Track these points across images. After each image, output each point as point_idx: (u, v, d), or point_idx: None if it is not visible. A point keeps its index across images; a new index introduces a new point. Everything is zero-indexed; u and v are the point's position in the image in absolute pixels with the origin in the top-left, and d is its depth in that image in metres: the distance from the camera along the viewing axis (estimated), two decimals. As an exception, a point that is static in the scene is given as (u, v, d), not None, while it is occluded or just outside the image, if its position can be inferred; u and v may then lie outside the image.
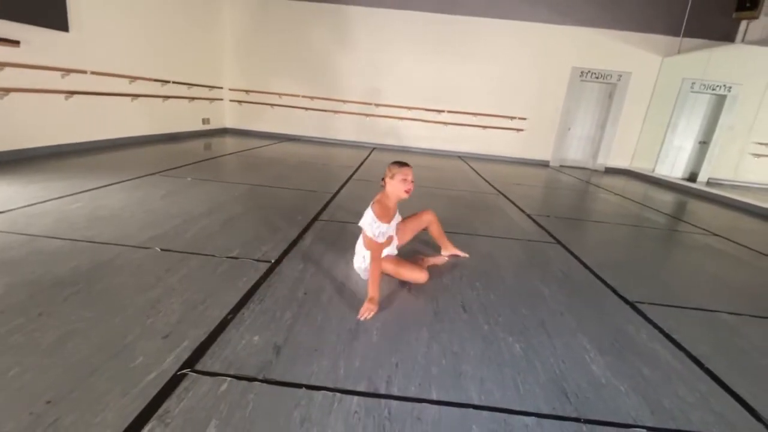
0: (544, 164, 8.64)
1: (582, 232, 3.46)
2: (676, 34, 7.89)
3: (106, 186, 3.35)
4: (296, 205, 3.34)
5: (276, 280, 1.94)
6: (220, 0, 7.83)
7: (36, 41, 4.15)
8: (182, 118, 7.04)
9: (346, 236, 2.67)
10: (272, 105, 8.49)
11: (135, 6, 5.54)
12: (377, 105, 8.41)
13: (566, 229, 3.43)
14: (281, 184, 4.03)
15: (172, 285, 1.79)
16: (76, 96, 4.70)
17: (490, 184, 5.37)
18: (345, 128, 8.61)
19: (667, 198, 5.92)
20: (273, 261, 2.15)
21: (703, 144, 8.51)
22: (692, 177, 8.58)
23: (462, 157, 8.51)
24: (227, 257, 2.15)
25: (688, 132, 8.43)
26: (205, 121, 7.81)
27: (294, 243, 2.45)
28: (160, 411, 1.10)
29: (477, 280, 2.16)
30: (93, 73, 4.90)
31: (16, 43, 3.91)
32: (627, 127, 8.40)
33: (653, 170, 8.26)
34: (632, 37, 7.94)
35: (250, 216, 2.92)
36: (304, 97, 8.40)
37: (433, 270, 2.24)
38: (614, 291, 2.21)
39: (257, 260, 2.15)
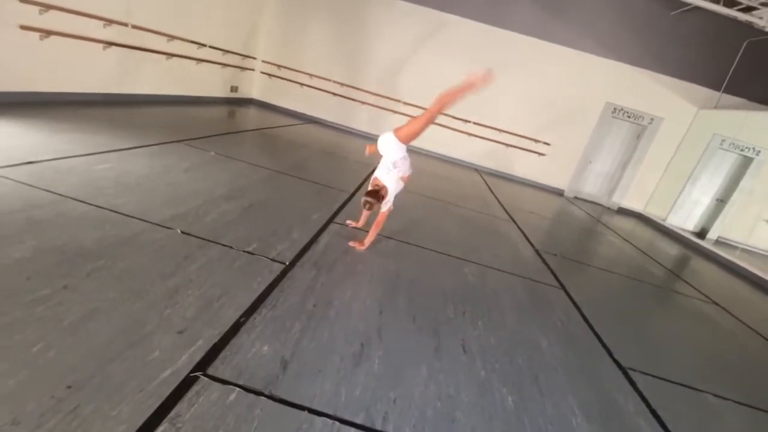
0: (559, 193, 8.63)
1: (586, 279, 3.50)
2: (716, 88, 7.79)
3: (132, 149, 3.39)
4: (314, 202, 3.38)
5: (288, 286, 1.99)
6: (268, -30, 7.75)
7: (84, -13, 4.16)
8: (212, 83, 7.05)
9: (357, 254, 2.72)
10: (301, 84, 8.46)
11: (185, -35, 5.51)
12: (405, 103, 8.38)
13: (571, 273, 3.47)
14: (301, 174, 4.07)
15: (190, 275, 1.85)
16: (113, 47, 4.72)
17: (503, 207, 5.39)
18: (368, 120, 8.59)
19: (673, 252, 5.94)
20: (287, 263, 2.21)
21: (720, 202, 8.45)
22: (702, 232, 8.55)
23: (479, 170, 8.50)
24: (244, 251, 2.20)
25: (707, 187, 8.37)
26: (234, 89, 7.81)
27: (308, 246, 2.50)
28: (172, 414, 1.16)
29: (480, 318, 2.21)
30: (134, 27, 4.91)
31: (65, -13, 3.91)
32: (648, 170, 8.35)
33: (665, 219, 8.24)
34: (672, 82, 7.84)
35: (268, 207, 2.97)
36: (334, 82, 8.37)
37: (438, 298, 2.29)
38: (609, 353, 2.26)
39: (272, 259, 2.20)
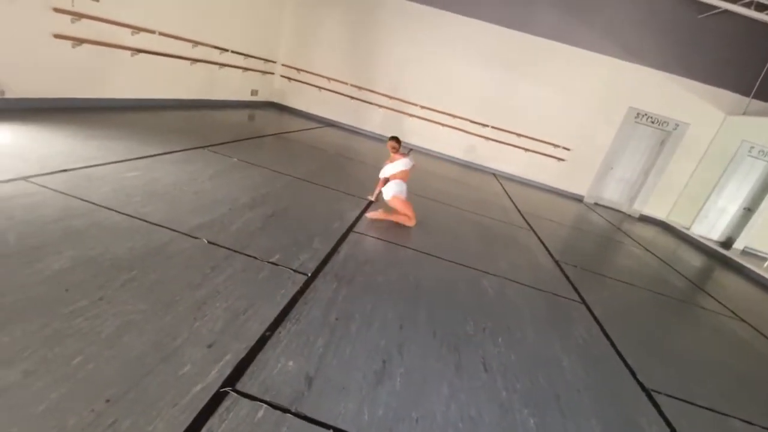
0: (578, 199, 8.49)
1: (607, 293, 3.44)
2: (745, 93, 7.55)
3: (159, 155, 3.49)
4: (334, 210, 3.42)
5: (311, 298, 2.03)
6: (290, -25, 7.85)
7: (114, -3, 4.29)
8: (234, 87, 7.18)
9: (378, 257, 2.74)
10: (319, 88, 8.54)
11: (210, -27, 5.63)
12: (423, 107, 8.37)
13: (592, 286, 3.41)
14: (321, 181, 4.11)
15: (217, 286, 1.90)
16: (141, 54, 4.85)
17: (522, 215, 5.33)
18: (385, 123, 8.61)
19: (697, 262, 5.77)
20: (309, 275, 2.24)
21: (748, 211, 8.17)
22: (728, 242, 8.28)
23: (496, 174, 8.43)
24: (268, 262, 2.25)
25: (735, 196, 8.11)
26: (254, 92, 7.93)
27: (329, 256, 2.54)
28: (204, 430, 1.20)
29: (500, 334, 2.20)
30: (161, 34, 5.04)
31: (97, -3, 4.05)
32: (672, 177, 8.14)
33: (689, 227, 8.01)
34: (698, 87, 7.62)
35: (290, 215, 3.02)
36: (351, 85, 8.41)
37: (457, 312, 2.29)
38: (633, 373, 2.22)
39: (295, 270, 2.24)
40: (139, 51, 4.81)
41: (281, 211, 3.03)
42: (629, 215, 8.41)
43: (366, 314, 2.04)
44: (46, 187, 2.38)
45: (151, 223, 2.31)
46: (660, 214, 8.38)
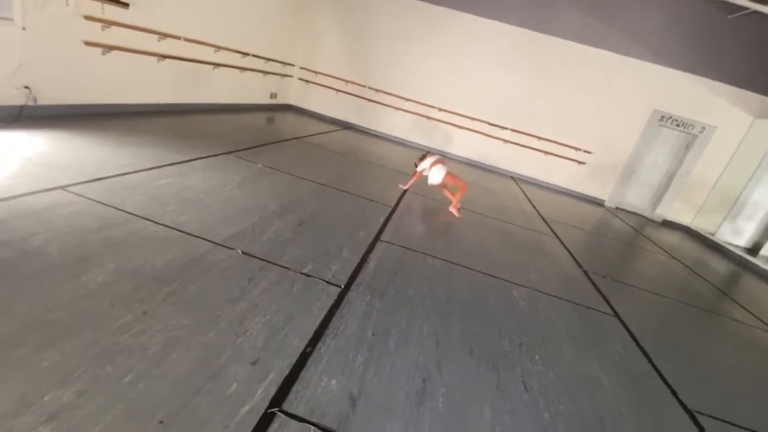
0: (599, 203, 8.34)
1: (639, 304, 3.36)
2: (776, 95, 7.30)
3: (188, 161, 3.53)
4: (359, 217, 3.41)
5: (346, 312, 2.02)
6: (309, -22, 7.88)
7: (142, 4, 4.35)
8: (254, 90, 7.24)
9: (408, 268, 2.72)
10: (337, 90, 8.55)
11: (234, -22, 5.68)
12: (440, 109, 8.32)
13: (623, 298, 3.33)
14: (344, 187, 4.11)
15: (255, 300, 1.90)
16: (167, 60, 4.92)
17: (545, 221, 5.25)
18: (402, 126, 8.59)
19: (725, 269, 5.61)
20: (342, 286, 2.23)
21: (777, 217, 7.92)
22: (756, 247, 8.04)
23: (515, 178, 8.33)
24: (301, 273, 2.24)
25: (762, 201, 7.86)
26: (273, 95, 7.99)
27: (359, 267, 2.52)
28: (256, 454, 1.19)
29: (536, 351, 2.16)
30: (186, 39, 5.10)
31: (125, 5, 4.11)
32: (698, 182, 7.92)
33: (714, 233, 7.79)
34: (726, 89, 7.41)
35: (318, 223, 3.01)
36: (369, 88, 8.41)
37: (492, 327, 2.26)
38: (674, 393, 2.15)
39: (328, 282, 2.23)
40: (165, 57, 4.87)
41: (309, 219, 3.03)
42: (652, 220, 8.22)
43: (401, 329, 2.02)
44: (84, 196, 2.42)
45: (186, 233, 2.33)
46: (684, 220, 8.18)
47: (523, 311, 2.57)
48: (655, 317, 3.21)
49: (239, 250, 2.29)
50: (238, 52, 6.32)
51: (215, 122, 5.46)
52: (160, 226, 2.33)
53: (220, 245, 2.30)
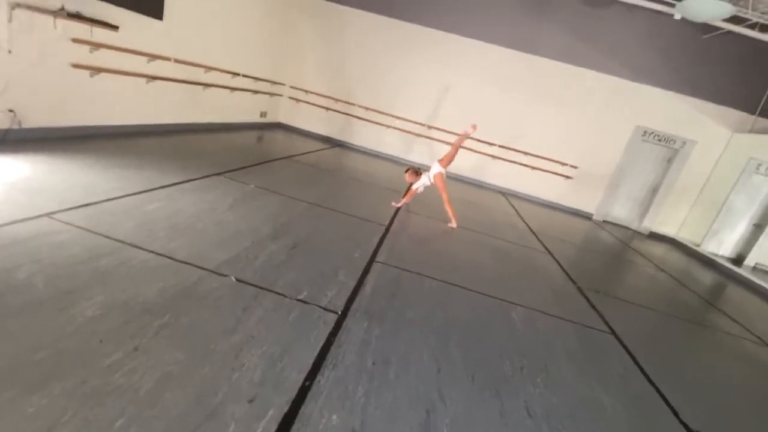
0: (587, 216, 8.46)
1: (633, 320, 3.37)
2: (751, 111, 7.60)
3: (178, 184, 3.47)
4: (353, 237, 3.38)
5: (345, 340, 1.97)
6: (298, 4, 8.00)
7: (132, 26, 4.34)
8: (244, 109, 7.24)
9: (405, 290, 2.69)
10: (327, 108, 8.61)
11: (222, 2, 5.72)
12: (429, 126, 8.42)
13: (618, 313, 3.35)
14: (336, 206, 4.09)
15: (251, 330, 1.85)
16: (157, 81, 4.89)
17: (536, 236, 5.29)
18: (393, 144, 8.65)
19: (712, 281, 5.70)
20: (339, 312, 2.19)
21: (758, 227, 8.14)
22: (739, 258, 8.22)
23: (505, 193, 8.42)
24: (297, 299, 2.20)
25: (744, 212, 8.09)
26: (263, 114, 7.99)
27: (356, 290, 2.49)
28: (257, 501, 1.13)
29: (538, 374, 2.14)
30: (176, 60, 5.09)
31: (115, 27, 4.09)
32: (681, 195, 8.13)
33: (699, 244, 7.96)
34: (704, 105, 7.68)
35: (312, 245, 2.98)
36: (359, 106, 8.48)
37: (492, 350, 2.24)
38: (675, 413, 2.15)
39: (324, 308, 2.19)
40: (155, 78, 4.84)
41: (302, 242, 2.99)
42: (639, 232, 8.37)
43: (401, 356, 1.98)
44: (71, 224, 2.35)
45: (178, 260, 2.27)
46: (670, 231, 8.35)
47: (521, 332, 2.56)
48: (649, 333, 3.23)
49: (233, 277, 2.24)
50: (229, 72, 6.33)
51: (206, 142, 5.42)
52: (151, 254, 2.26)
53: (213, 272, 2.25)
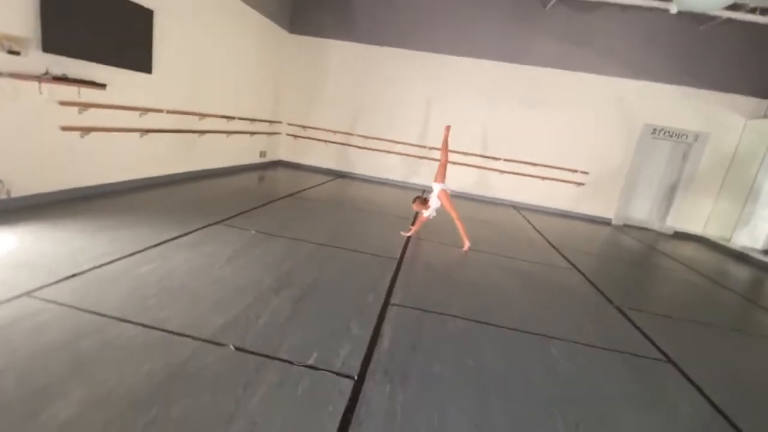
0: (606, 222, 8.09)
1: (690, 341, 3.00)
2: (762, 95, 7.31)
3: (174, 239, 3.27)
4: (364, 277, 3.12)
5: (365, 414, 1.68)
6: (285, 42, 8.06)
7: (121, 82, 4.28)
8: (242, 152, 7.16)
9: (427, 336, 2.39)
10: (326, 141, 8.52)
11: (210, 48, 5.72)
12: (430, 148, 8.25)
13: (669, 335, 2.98)
14: (343, 243, 3.85)
15: (253, 414, 1.57)
16: (150, 134, 4.81)
17: (557, 250, 4.96)
18: (395, 169, 8.49)
19: (756, 280, 5.26)
20: (356, 377, 1.90)
21: (789, 214, 7.68)
22: (775, 249, 7.72)
23: (516, 207, 8.13)
24: (306, 366, 1.92)
25: (770, 200, 7.65)
26: (263, 154, 7.92)
27: (372, 344, 2.20)
28: None
29: (582, 420, 1.80)
30: (168, 111, 5.02)
31: (102, 86, 4.03)
32: (702, 190, 7.75)
33: (729, 239, 7.50)
34: (713, 96, 7.41)
35: (319, 293, 2.71)
36: (358, 135, 8.39)
37: (538, 404, 1.91)
38: (770, 463, 1.78)
39: (338, 374, 1.90)
40: (148, 131, 4.76)
41: (309, 291, 2.73)
42: (662, 233, 7.95)
43: (434, 427, 1.67)
44: (54, 301, 2.13)
45: (169, 332, 2.02)
46: (695, 229, 7.91)
47: (567, 374, 2.22)
48: (710, 355, 2.85)
49: (231, 346, 1.98)
50: (224, 116, 6.28)
51: (204, 189, 5.28)
52: (140, 327, 2.02)
53: (209, 342, 1.99)
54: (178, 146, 5.41)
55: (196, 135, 5.71)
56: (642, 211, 8.28)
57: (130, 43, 4.27)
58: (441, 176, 4.42)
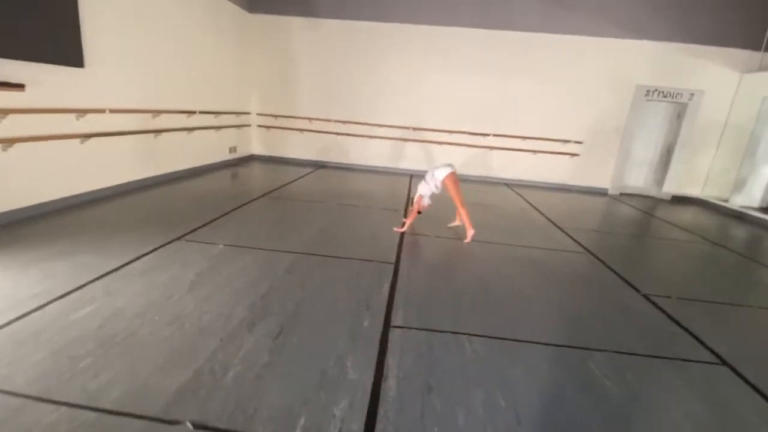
0: (602, 192, 7.76)
1: (734, 333, 2.62)
2: (756, 48, 6.95)
3: (122, 267, 2.70)
4: (356, 292, 2.63)
5: None
6: (245, 23, 7.28)
7: (45, 81, 3.60)
8: (209, 149, 6.49)
9: (441, 369, 1.93)
10: (302, 130, 7.88)
11: (157, 35, 4.99)
12: (415, 129, 7.70)
13: (710, 327, 2.60)
14: (329, 250, 3.34)
15: None
16: (93, 138, 4.14)
17: (563, 231, 4.56)
18: (380, 154, 7.93)
19: (752, 237, 4.99)
20: (359, 449, 1.43)
21: (786, 169, 7.47)
22: (773, 205, 7.54)
23: (510, 184, 7.71)
24: (291, 441, 1.43)
25: (766, 156, 7.41)
26: (232, 149, 7.24)
27: (376, 393, 1.72)
28: None
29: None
30: (112, 111, 4.33)
31: (20, 86, 3.34)
32: (698, 151, 7.45)
33: (728, 199, 7.26)
34: (706, 51, 7.01)
35: (304, 322, 2.21)
36: (336, 121, 7.76)
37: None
38: None
39: (336, 446, 1.42)
40: (89, 136, 4.09)
41: (291, 321, 2.23)
42: (661, 199, 7.67)
43: None
44: (-58, 383, 1.58)
45: (105, 411, 1.50)
46: (693, 192, 7.65)
47: (616, 397, 1.80)
48: (761, 347, 2.48)
49: (189, 424, 1.47)
50: (182, 112, 5.58)
51: (165, 197, 4.66)
52: (63, 409, 1.49)
53: (159, 420, 1.48)
54: (130, 150, 4.74)
55: (152, 135, 5.03)
56: (638, 179, 7.96)
57: (51, 33, 3.56)
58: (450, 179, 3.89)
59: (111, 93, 4.34)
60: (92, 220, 3.63)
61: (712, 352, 2.29)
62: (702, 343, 2.38)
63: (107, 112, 4.27)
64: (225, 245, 3.24)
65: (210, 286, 2.54)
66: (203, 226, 3.70)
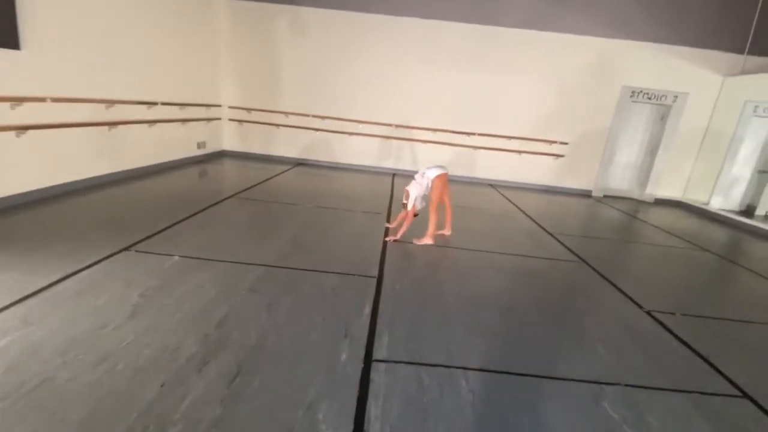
0: (586, 194, 7.64)
1: (749, 358, 2.41)
2: (739, 51, 6.95)
3: (51, 286, 2.25)
4: (332, 316, 2.27)
5: None
6: (217, 8, 6.75)
7: (-31, 62, 3.06)
8: (174, 144, 5.94)
9: (435, 415, 1.60)
10: (278, 125, 7.40)
11: (110, 15, 4.45)
12: (397, 126, 7.36)
13: (724, 351, 2.38)
14: (303, 261, 2.96)
15: None
16: (30, 131, 3.60)
17: (554, 237, 4.33)
18: (360, 152, 7.54)
19: (759, 250, 4.91)
20: None
21: (763, 173, 7.54)
22: (749, 210, 7.61)
23: (494, 185, 7.48)
24: None
25: (748, 159, 7.46)
26: (201, 145, 6.71)
27: (355, 454, 1.38)
28: None
29: None
30: (55, 100, 3.80)
31: (-65, 66, 2.81)
32: (681, 153, 7.42)
33: (708, 203, 7.27)
34: (691, 53, 6.96)
35: (267, 358, 1.84)
36: (314, 116, 7.32)
37: None
38: None
39: None
40: (27, 128, 3.55)
41: (252, 358, 1.85)
42: (643, 201, 7.62)
43: None
44: None
45: (-20, 508, 1.10)
46: (675, 194, 7.64)
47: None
48: (776, 371, 2.28)
49: None
50: (141, 102, 5.05)
51: (119, 198, 4.15)
52: None
53: None
54: (78, 145, 4.20)
55: (105, 128, 4.49)
56: (622, 181, 7.89)
57: (-27, 5, 3.03)
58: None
59: (53, 79, 3.81)
60: (26, 227, 3.12)
61: (731, 382, 2.05)
62: (717, 370, 2.14)
63: (48, 101, 3.73)
64: (180, 257, 2.82)
65: (156, 311, 2.13)
66: (159, 232, 3.25)
